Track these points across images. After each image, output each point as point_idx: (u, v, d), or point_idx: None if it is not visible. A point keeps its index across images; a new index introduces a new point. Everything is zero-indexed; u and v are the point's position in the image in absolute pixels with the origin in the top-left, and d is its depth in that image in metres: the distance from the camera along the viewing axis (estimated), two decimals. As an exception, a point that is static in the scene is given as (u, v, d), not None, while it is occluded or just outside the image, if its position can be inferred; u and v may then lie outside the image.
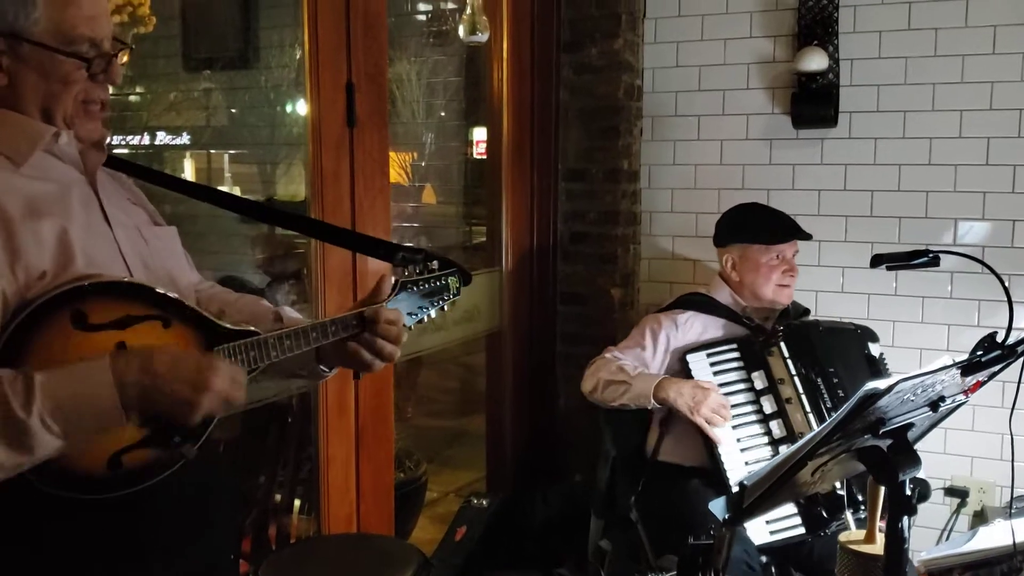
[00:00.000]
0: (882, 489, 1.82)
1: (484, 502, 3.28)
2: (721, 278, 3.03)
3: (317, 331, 1.51)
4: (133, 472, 1.33)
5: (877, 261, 1.89)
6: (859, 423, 1.48)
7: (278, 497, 3.08)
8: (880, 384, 1.40)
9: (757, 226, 2.97)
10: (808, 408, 2.72)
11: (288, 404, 3.01)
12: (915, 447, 1.62)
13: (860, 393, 1.40)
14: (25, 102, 1.40)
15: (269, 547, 2.98)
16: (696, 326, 2.92)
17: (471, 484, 4.25)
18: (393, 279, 1.65)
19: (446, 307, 1.71)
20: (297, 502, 3.07)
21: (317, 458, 2.64)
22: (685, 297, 3.04)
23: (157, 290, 1.38)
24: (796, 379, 2.75)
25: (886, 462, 1.57)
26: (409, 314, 1.64)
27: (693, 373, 2.79)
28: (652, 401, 2.72)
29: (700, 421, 2.67)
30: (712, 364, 2.82)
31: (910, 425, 1.62)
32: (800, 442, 1.56)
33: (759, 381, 2.79)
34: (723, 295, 2.98)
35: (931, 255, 1.84)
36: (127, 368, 1.25)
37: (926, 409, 1.61)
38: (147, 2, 3.83)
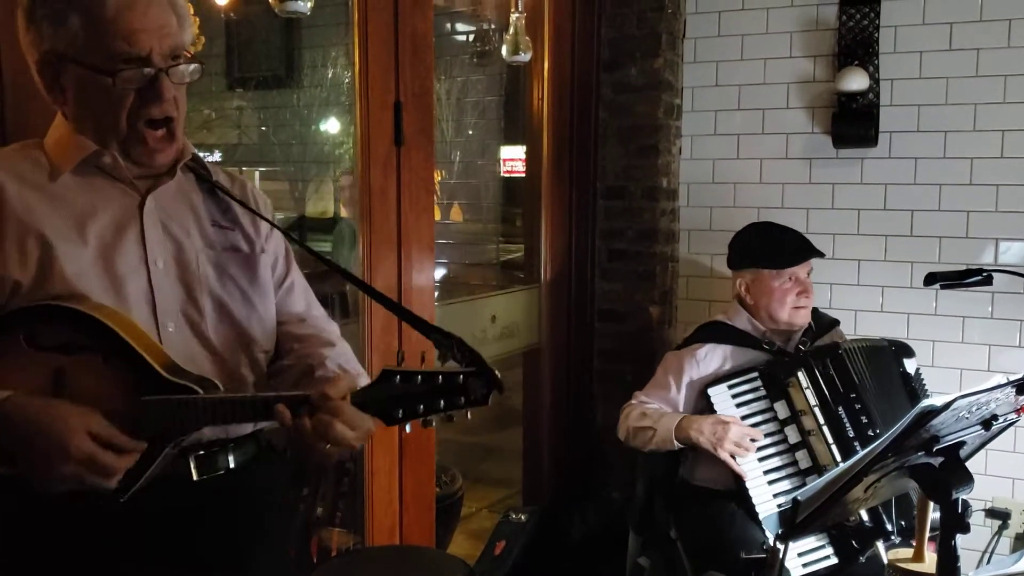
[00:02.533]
0: (931, 507, 1.83)
1: (522, 517, 3.29)
2: (738, 302, 2.97)
3: (258, 405, 1.35)
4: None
5: (931, 279, 1.90)
6: (914, 440, 1.49)
7: (319, 510, 3.11)
8: (936, 401, 1.41)
9: (766, 249, 2.90)
10: (831, 440, 2.66)
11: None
12: (963, 466, 1.63)
13: (917, 410, 1.42)
14: (78, 121, 1.42)
15: (311, 560, 3.01)
16: (716, 358, 2.88)
17: (505, 500, 4.27)
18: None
19: (447, 417, 1.29)
20: (339, 515, 3.10)
21: (362, 470, 2.67)
22: (703, 328, 3.00)
23: (104, 323, 1.33)
24: (817, 410, 2.69)
25: (939, 480, 1.58)
26: (386, 412, 1.30)
27: (715, 406, 2.75)
28: (676, 443, 2.71)
29: (725, 456, 2.64)
30: (734, 396, 2.77)
31: (962, 443, 1.63)
32: (854, 458, 1.57)
33: (782, 411, 2.73)
34: (741, 320, 2.93)
35: (984, 274, 1.85)
36: (9, 417, 1.26)
37: (978, 427, 1.62)
38: (196, 23, 3.92)
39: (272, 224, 1.60)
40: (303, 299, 1.66)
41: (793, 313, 2.85)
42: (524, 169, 3.94)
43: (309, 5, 2.21)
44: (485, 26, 4.35)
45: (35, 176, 1.40)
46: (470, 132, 5.05)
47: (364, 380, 1.38)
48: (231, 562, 1.50)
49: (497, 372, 1.26)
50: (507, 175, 5.07)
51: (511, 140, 4.74)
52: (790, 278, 2.85)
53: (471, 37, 4.55)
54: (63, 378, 1.33)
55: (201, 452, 1.46)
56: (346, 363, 1.57)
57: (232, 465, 1.50)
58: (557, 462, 3.68)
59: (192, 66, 1.43)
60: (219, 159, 4.86)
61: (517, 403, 3.80)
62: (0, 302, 1.34)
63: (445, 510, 3.45)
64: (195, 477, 1.45)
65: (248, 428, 1.52)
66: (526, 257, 3.71)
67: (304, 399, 1.32)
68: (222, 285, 1.51)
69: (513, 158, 5.04)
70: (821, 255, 2.91)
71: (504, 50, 3.20)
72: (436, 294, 2.97)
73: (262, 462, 1.56)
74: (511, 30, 3.17)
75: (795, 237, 2.94)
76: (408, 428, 1.30)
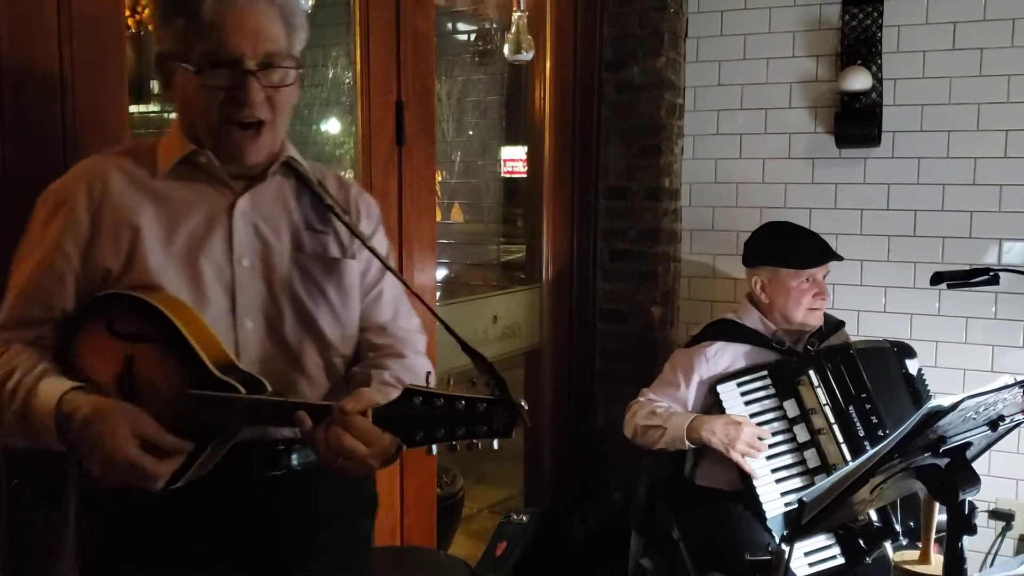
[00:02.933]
0: (936, 509, 1.82)
1: (524, 518, 3.28)
2: (749, 300, 2.96)
3: (287, 409, 1.35)
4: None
5: (938, 279, 1.89)
6: (921, 441, 1.48)
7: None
8: (944, 402, 1.40)
9: (787, 249, 2.89)
10: (840, 439, 2.66)
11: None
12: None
13: (924, 410, 1.41)
14: (182, 120, 1.50)
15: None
16: (726, 356, 2.87)
17: (506, 500, 4.26)
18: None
19: (468, 445, 1.25)
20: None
21: (363, 471, 2.65)
22: (713, 326, 2.98)
23: (168, 317, 1.38)
24: (827, 408, 2.69)
25: (946, 481, 1.57)
26: (406, 433, 1.26)
27: (724, 404, 2.75)
28: (687, 443, 2.71)
29: (737, 457, 2.64)
30: (743, 394, 2.76)
31: (968, 444, 1.62)
32: (860, 459, 1.56)
33: (791, 410, 2.73)
34: (752, 319, 2.92)
35: (991, 273, 1.83)
36: (69, 413, 1.34)
37: (985, 428, 1.61)
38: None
39: (358, 237, 1.58)
40: (391, 308, 1.66)
41: (808, 314, 2.85)
42: (525, 169, 3.93)
43: (310, 4, 2.20)
44: (487, 25, 4.34)
45: (140, 173, 1.48)
46: (471, 132, 5.04)
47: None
48: (291, 560, 1.52)
49: (523, 404, 1.22)
50: (508, 175, 5.07)
51: (512, 140, 4.73)
52: (808, 279, 2.84)
53: (472, 36, 4.54)
54: (132, 367, 1.39)
55: (263, 450, 1.48)
56: (407, 377, 1.54)
57: (295, 464, 1.51)
58: (558, 462, 3.67)
59: (289, 72, 1.46)
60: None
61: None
62: (94, 288, 1.43)
63: (446, 511, 3.43)
64: (257, 474, 1.47)
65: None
66: (528, 257, 3.70)
67: (327, 409, 1.31)
68: (305, 288, 1.53)
69: (514, 158, 5.04)
70: (840, 259, 2.91)
71: (506, 49, 3.19)
72: (438, 294, 2.95)
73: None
74: (513, 29, 3.15)
75: (814, 239, 2.94)
76: (434, 451, 1.27)
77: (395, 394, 1.28)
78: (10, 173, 1.59)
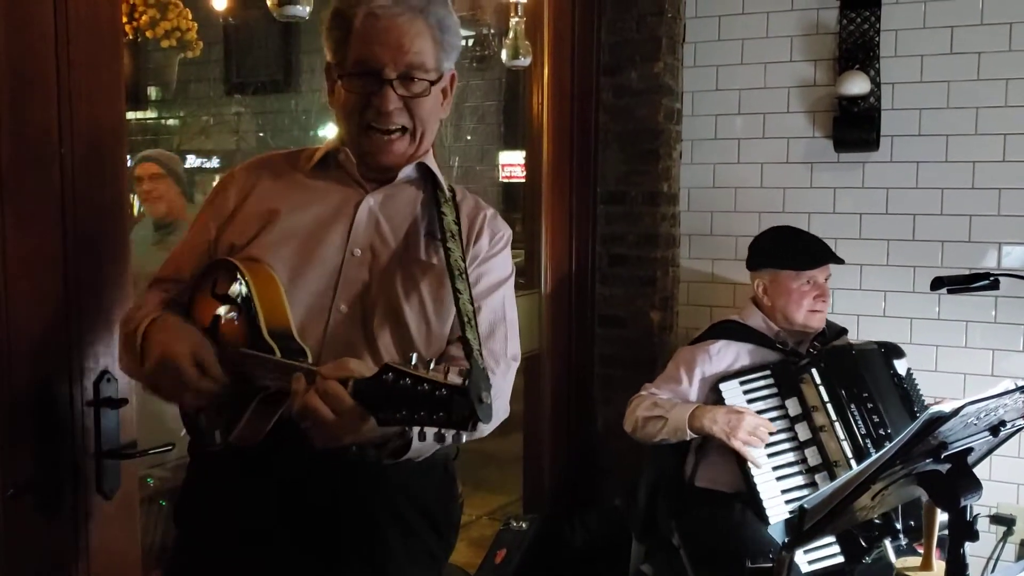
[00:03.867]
0: (938, 514, 1.81)
1: (523, 525, 3.27)
2: (753, 303, 3.01)
3: (287, 369, 1.37)
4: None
5: (938, 284, 1.88)
6: (922, 447, 1.47)
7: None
8: (945, 407, 1.39)
9: (787, 251, 2.94)
10: (842, 436, 2.69)
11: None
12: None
13: (925, 416, 1.40)
14: (340, 124, 1.65)
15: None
16: (729, 354, 2.91)
17: (504, 507, 4.24)
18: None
19: (445, 435, 1.18)
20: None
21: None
22: (717, 326, 3.03)
23: (246, 279, 1.51)
24: (829, 406, 2.72)
25: (947, 487, 1.56)
26: (373, 408, 1.22)
27: (726, 401, 2.78)
28: (689, 432, 2.72)
29: (738, 445, 2.66)
30: (745, 392, 2.80)
31: (969, 450, 1.61)
32: (861, 466, 1.56)
33: (793, 408, 2.77)
34: (755, 320, 2.96)
35: (991, 278, 1.83)
36: (148, 329, 1.53)
37: (986, 433, 1.60)
38: (194, 28, 3.92)
39: (445, 251, 1.59)
40: (485, 326, 1.63)
41: (809, 316, 2.88)
42: (523, 174, 3.93)
43: (308, 10, 2.19)
44: (484, 31, 4.34)
45: (286, 169, 1.68)
46: (468, 138, 5.03)
47: None
48: (347, 544, 1.57)
49: (484, 398, 1.14)
50: (506, 180, 5.06)
51: (510, 145, 4.73)
52: (808, 281, 2.88)
53: (470, 42, 4.54)
54: (217, 324, 1.52)
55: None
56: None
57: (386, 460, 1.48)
58: (558, 469, 3.66)
59: (427, 84, 1.56)
60: (217, 165, 4.84)
61: (517, 409, 3.78)
62: (222, 255, 1.60)
63: (445, 517, 3.42)
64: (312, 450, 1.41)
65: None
66: (526, 262, 3.69)
67: (313, 373, 1.31)
68: (405, 291, 1.58)
69: (512, 163, 5.03)
70: (841, 261, 2.94)
71: (504, 55, 3.19)
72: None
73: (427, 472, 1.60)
74: (511, 35, 3.15)
75: (815, 241, 2.98)
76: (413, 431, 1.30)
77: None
78: (6, 179, 1.58)
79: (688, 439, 2.77)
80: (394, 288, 1.58)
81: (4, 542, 1.62)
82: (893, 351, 2.92)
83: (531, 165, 3.69)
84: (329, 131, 5.19)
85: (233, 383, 1.45)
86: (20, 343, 1.62)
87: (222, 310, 1.52)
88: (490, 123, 5.00)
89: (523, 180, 3.96)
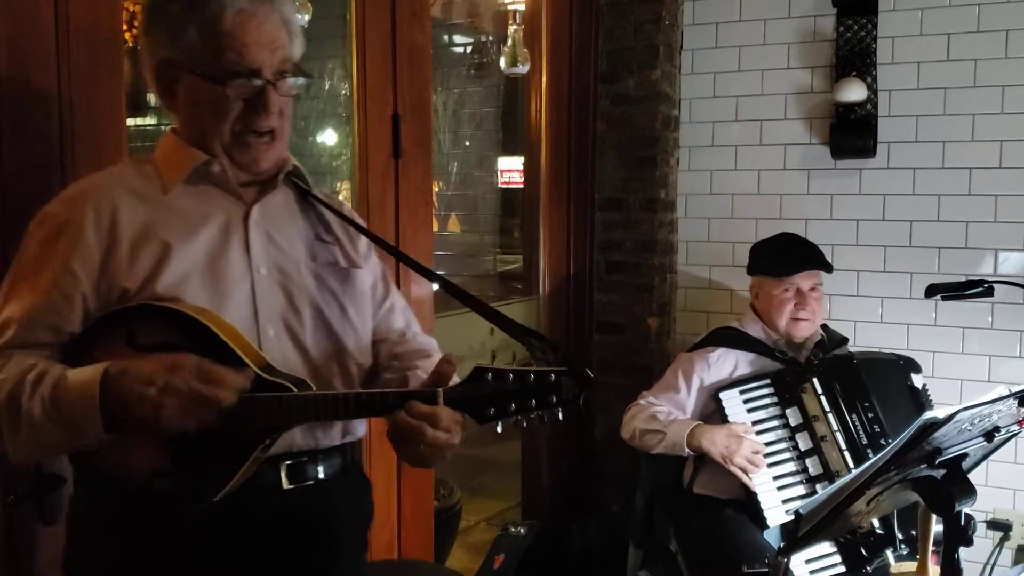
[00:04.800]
0: (933, 520, 1.82)
1: (521, 530, 3.27)
2: (752, 310, 3.00)
3: (349, 404, 1.38)
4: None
5: (932, 291, 1.89)
6: (916, 453, 1.48)
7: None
8: (939, 414, 1.40)
9: (771, 257, 2.94)
10: (843, 446, 2.68)
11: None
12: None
13: (919, 422, 1.41)
14: (188, 129, 1.49)
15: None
16: (728, 362, 2.89)
17: (502, 513, 4.25)
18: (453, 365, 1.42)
19: (539, 417, 1.30)
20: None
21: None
22: (716, 333, 3.01)
23: (202, 323, 1.37)
24: (830, 416, 2.71)
25: (942, 492, 1.57)
26: (478, 411, 1.31)
27: (726, 411, 2.76)
28: (687, 450, 2.72)
29: (735, 470, 2.65)
30: (745, 401, 2.78)
31: (964, 455, 1.62)
32: (856, 471, 1.56)
33: (793, 418, 2.75)
34: (755, 328, 2.95)
35: (985, 285, 1.84)
36: (118, 378, 1.30)
37: (981, 439, 1.61)
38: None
39: (371, 236, 1.64)
40: (403, 318, 1.71)
41: (791, 324, 2.86)
42: (521, 180, 3.95)
43: (306, 18, 2.21)
44: (483, 38, 4.36)
45: (148, 190, 1.46)
46: (466, 144, 5.05)
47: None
48: (311, 571, 1.52)
49: (590, 372, 1.28)
50: (504, 186, 5.07)
51: (509, 151, 4.74)
52: (788, 288, 2.86)
53: (468, 49, 4.56)
54: None
55: (291, 461, 1.48)
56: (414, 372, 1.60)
57: (321, 476, 1.51)
58: (556, 475, 3.67)
59: (299, 80, 1.49)
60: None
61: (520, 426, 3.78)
62: (105, 308, 1.40)
63: (443, 523, 3.43)
64: (285, 485, 1.47)
65: (336, 439, 1.54)
66: (525, 269, 3.71)
67: (400, 397, 1.34)
68: (321, 296, 1.55)
69: (510, 169, 5.05)
70: (828, 268, 2.91)
71: (503, 62, 3.21)
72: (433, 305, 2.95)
73: (348, 476, 1.59)
74: (509, 42, 3.17)
75: (803, 248, 2.96)
76: (500, 428, 1.30)
77: (450, 373, 1.34)
78: (7, 187, 1.60)
79: (685, 455, 2.77)
80: (315, 299, 1.53)
81: (5, 548, 1.63)
82: (911, 365, 2.91)
83: (529, 172, 3.70)
84: (328, 137, 5.20)
85: (215, 433, 1.32)
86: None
87: None
88: (488, 129, 5.02)
89: (521, 185, 3.98)
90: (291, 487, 1.48)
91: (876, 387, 2.77)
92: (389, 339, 1.66)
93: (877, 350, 3.18)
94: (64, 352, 1.39)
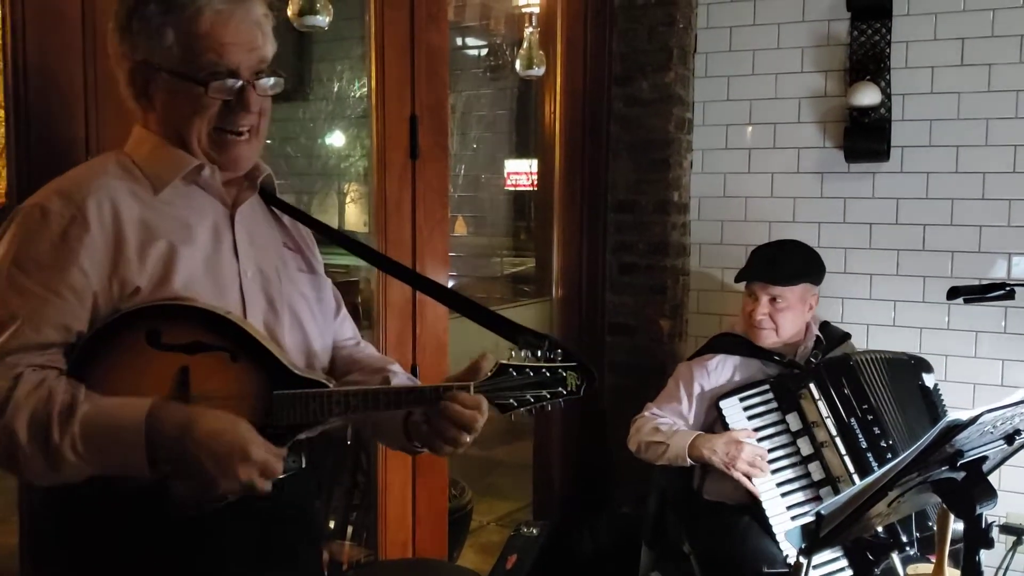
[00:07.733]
0: (951, 521, 1.82)
1: (534, 531, 3.28)
2: None
3: (390, 397, 1.45)
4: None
5: (954, 293, 1.89)
6: (938, 455, 1.49)
7: (332, 523, 3.10)
8: (963, 416, 1.41)
9: (749, 260, 2.95)
10: (843, 451, 2.67)
11: (344, 430, 3.03)
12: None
13: (942, 424, 1.41)
14: (167, 129, 1.47)
15: (321, 573, 2.99)
16: (727, 369, 2.90)
17: (513, 513, 4.25)
18: (494, 360, 1.51)
19: (548, 406, 1.48)
20: (350, 528, 3.09)
21: (375, 485, 2.66)
22: (714, 340, 3.03)
23: (235, 323, 1.39)
24: (829, 421, 2.70)
25: (963, 494, 1.57)
26: (499, 403, 1.48)
27: (727, 418, 2.76)
28: (689, 461, 2.72)
29: (738, 476, 2.66)
30: (746, 408, 2.78)
31: (985, 458, 1.63)
32: (878, 473, 1.57)
33: (794, 423, 2.75)
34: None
35: (1007, 288, 1.85)
36: (163, 427, 1.28)
37: (1001, 442, 1.62)
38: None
39: (333, 234, 1.70)
40: (351, 327, 1.77)
41: (750, 330, 2.88)
42: (530, 183, 3.96)
43: (328, 20, 2.22)
44: (497, 40, 4.37)
45: (138, 188, 1.45)
46: (474, 146, 5.06)
47: None
48: (267, 565, 1.52)
49: (593, 368, 1.48)
50: (511, 188, 5.07)
51: (521, 154, 4.75)
52: (750, 294, 2.89)
53: (483, 52, 4.57)
54: (187, 378, 1.37)
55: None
56: (404, 377, 1.67)
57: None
58: (568, 476, 3.68)
59: (274, 79, 1.49)
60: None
61: (523, 416, 3.78)
62: (114, 306, 1.37)
63: (454, 523, 3.44)
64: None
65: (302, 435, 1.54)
66: (537, 270, 3.72)
67: (436, 390, 1.45)
68: (295, 298, 1.58)
69: (518, 171, 5.05)
70: (771, 281, 2.83)
71: (518, 64, 3.23)
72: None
73: (299, 472, 1.59)
74: (525, 45, 3.19)
75: (764, 257, 2.92)
76: (512, 417, 1.48)
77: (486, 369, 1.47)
78: (35, 179, 1.61)
79: (689, 466, 2.77)
80: (292, 302, 1.56)
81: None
82: (922, 365, 2.90)
83: (542, 174, 3.71)
84: (336, 139, 5.22)
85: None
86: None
87: (193, 361, 1.37)
88: (499, 132, 5.03)
89: (528, 189, 3.99)
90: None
91: (885, 387, 2.76)
92: (347, 346, 1.72)
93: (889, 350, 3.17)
94: (72, 351, 1.35)
